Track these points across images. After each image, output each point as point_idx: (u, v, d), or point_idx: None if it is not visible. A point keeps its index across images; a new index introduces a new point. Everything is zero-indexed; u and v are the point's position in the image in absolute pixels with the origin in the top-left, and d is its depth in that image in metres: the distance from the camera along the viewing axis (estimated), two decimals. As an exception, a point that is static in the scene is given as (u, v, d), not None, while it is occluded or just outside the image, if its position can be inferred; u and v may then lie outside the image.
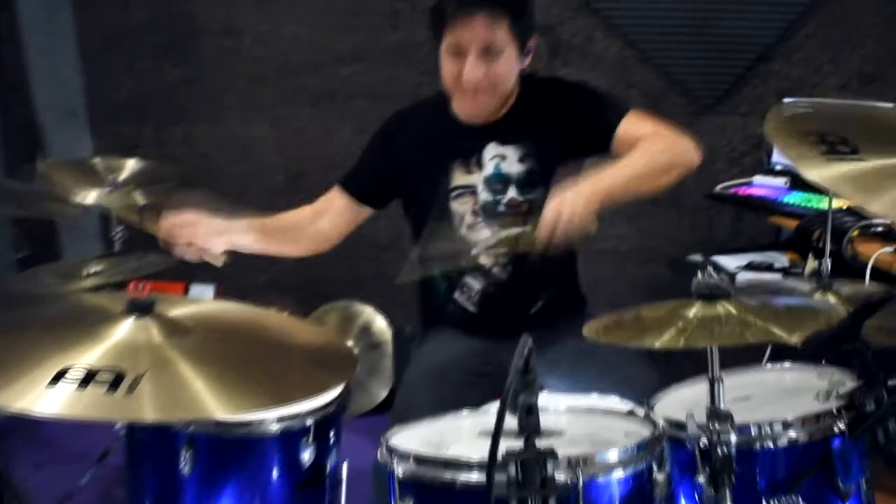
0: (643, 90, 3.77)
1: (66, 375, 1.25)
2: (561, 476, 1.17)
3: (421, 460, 1.27)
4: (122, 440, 2.92)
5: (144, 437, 1.91)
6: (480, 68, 2.19)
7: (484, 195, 2.30)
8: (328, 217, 2.45)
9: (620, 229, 3.68)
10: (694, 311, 1.33)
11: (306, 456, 1.86)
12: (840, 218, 2.64)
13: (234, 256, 2.38)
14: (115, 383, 1.25)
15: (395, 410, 2.21)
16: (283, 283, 3.61)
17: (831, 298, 1.78)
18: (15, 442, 3.15)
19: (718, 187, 3.31)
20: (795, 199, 3.03)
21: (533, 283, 2.29)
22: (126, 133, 4.17)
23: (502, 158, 2.30)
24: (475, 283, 2.35)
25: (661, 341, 1.30)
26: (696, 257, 3.04)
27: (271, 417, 1.85)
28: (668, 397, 1.59)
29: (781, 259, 2.90)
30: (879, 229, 2.48)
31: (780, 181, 3.14)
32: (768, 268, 2.85)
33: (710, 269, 1.34)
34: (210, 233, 2.30)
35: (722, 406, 1.21)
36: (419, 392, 2.20)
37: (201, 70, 4.17)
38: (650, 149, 2.19)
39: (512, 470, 1.14)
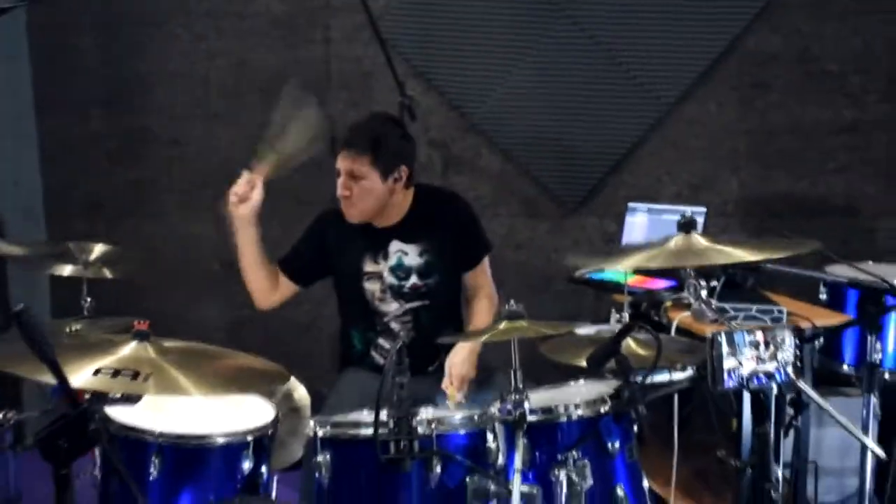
0: (520, 197, 4.29)
1: (101, 371, 1.85)
2: (421, 429, 1.84)
3: (335, 424, 1.91)
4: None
5: (119, 451, 2.20)
6: (346, 187, 2.82)
7: (390, 279, 2.91)
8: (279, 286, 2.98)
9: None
10: (504, 325, 2.05)
11: (246, 465, 2.25)
12: (661, 293, 3.35)
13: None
14: (134, 376, 1.87)
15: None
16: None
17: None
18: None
19: (577, 273, 3.62)
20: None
21: (429, 347, 2.80)
22: (79, 227, 4.39)
23: (404, 253, 2.91)
24: (386, 344, 2.91)
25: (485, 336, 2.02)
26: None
27: (219, 433, 2.24)
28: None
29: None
30: (685, 301, 3.17)
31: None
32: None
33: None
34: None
35: (520, 385, 1.89)
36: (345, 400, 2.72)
37: (149, 173, 4.48)
38: (486, 314, 2.93)
39: (392, 423, 1.80)
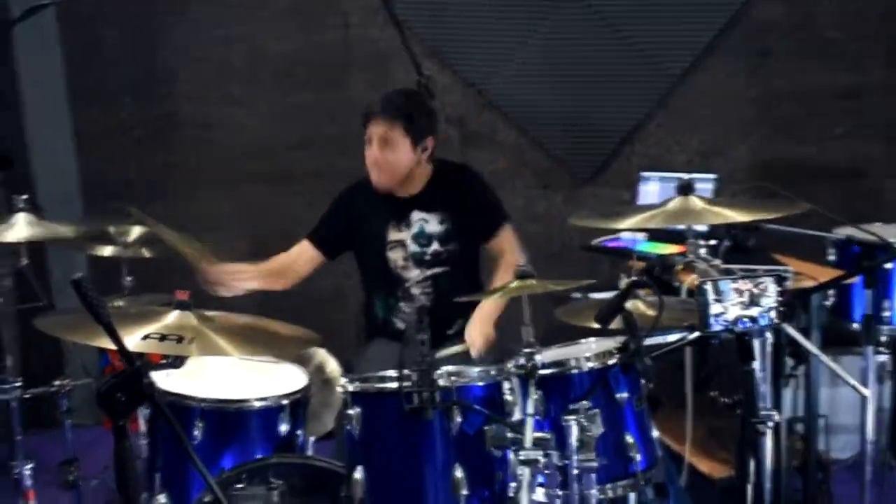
0: (535, 168, 4.36)
1: (149, 336, 2.02)
2: (442, 382, 2.00)
3: (364, 379, 2.07)
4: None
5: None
6: (377, 153, 2.94)
7: (412, 247, 3.03)
8: (300, 260, 3.11)
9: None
10: (515, 283, 2.18)
11: (283, 427, 2.41)
12: (671, 257, 3.47)
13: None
14: (179, 340, 2.04)
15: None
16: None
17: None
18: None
19: (593, 241, 3.79)
20: (648, 246, 3.55)
21: (448, 312, 2.94)
22: (113, 211, 4.02)
23: (425, 221, 3.03)
24: (407, 309, 3.03)
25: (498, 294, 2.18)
26: (577, 295, 3.51)
27: (257, 397, 2.40)
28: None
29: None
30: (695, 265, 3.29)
31: (639, 235, 3.63)
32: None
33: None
34: (239, 280, 2.93)
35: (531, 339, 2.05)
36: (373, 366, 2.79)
37: (178, 157, 4.58)
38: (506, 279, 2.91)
39: (415, 377, 1.96)
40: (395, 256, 3.05)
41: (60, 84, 4.52)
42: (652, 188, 3.86)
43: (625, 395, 2.20)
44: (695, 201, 2.34)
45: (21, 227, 2.59)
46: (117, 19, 4.48)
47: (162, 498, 2.33)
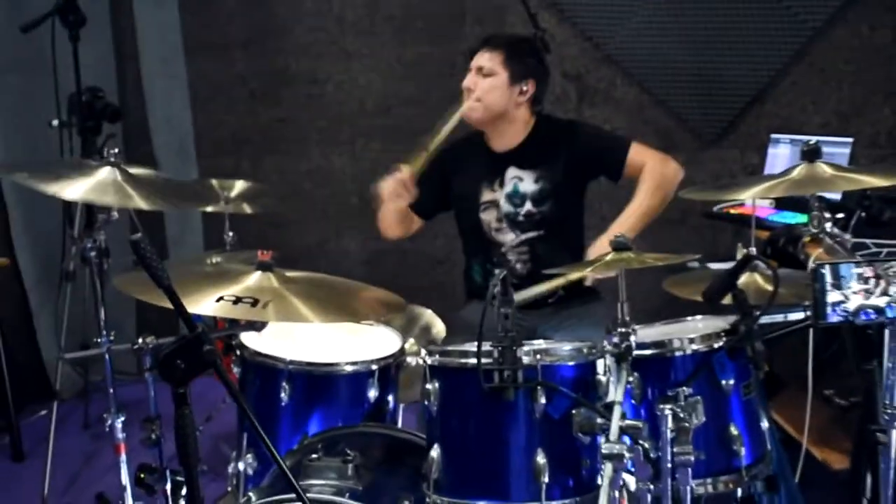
0: (656, 128, 4.19)
1: (224, 298, 1.95)
2: (527, 359, 1.85)
3: (443, 353, 1.94)
4: (223, 406, 3.33)
5: (254, 376, 2.37)
6: (474, 81, 2.87)
7: (506, 207, 2.92)
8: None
9: (634, 242, 4.08)
10: (610, 256, 2.00)
11: (372, 393, 2.32)
12: (798, 229, 3.22)
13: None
14: (253, 304, 1.95)
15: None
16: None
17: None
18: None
19: (715, 208, 3.65)
20: (777, 217, 3.41)
21: (546, 279, 2.73)
22: (226, 165, 4.64)
23: (520, 180, 2.91)
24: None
25: (595, 270, 2.01)
26: (694, 263, 3.31)
27: (346, 361, 2.32)
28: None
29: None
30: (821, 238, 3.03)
31: (767, 203, 3.49)
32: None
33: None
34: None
35: (627, 318, 1.87)
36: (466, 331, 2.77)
37: (291, 112, 4.63)
38: (649, 189, 2.81)
39: (496, 353, 1.82)
40: (489, 218, 2.94)
41: (177, 36, 4.61)
42: (782, 151, 3.69)
43: (731, 381, 2.01)
44: (822, 168, 2.10)
45: (99, 188, 2.29)
46: (232, -28, 4.53)
47: (249, 458, 2.30)
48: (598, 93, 4.27)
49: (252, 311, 1.93)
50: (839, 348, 2.93)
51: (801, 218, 3.21)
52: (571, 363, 1.89)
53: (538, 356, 1.85)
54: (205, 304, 1.93)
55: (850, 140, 3.39)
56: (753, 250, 2.01)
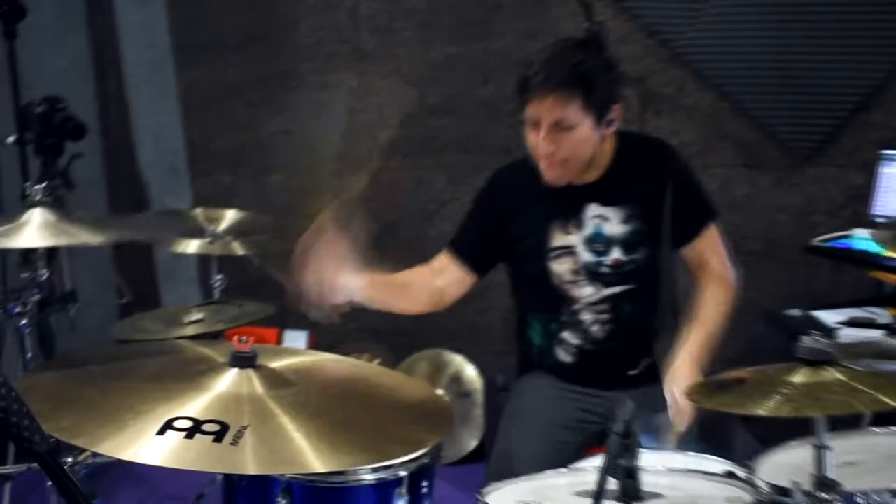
0: (737, 141, 3.74)
1: (174, 425, 1.30)
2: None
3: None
4: (217, 483, 2.92)
5: (242, 482, 1.88)
6: (552, 142, 2.27)
7: (585, 255, 2.34)
8: (444, 277, 2.48)
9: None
10: (799, 377, 1.30)
11: None
12: None
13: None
14: (219, 434, 1.29)
15: (493, 461, 2.29)
16: (374, 331, 3.66)
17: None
18: (115, 479, 3.24)
19: (816, 240, 3.23)
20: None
21: (631, 346, 2.33)
22: (224, 183, 4.39)
23: (604, 219, 2.35)
24: (572, 339, 2.40)
25: (766, 409, 1.28)
26: (795, 311, 2.99)
27: (365, 465, 1.72)
28: (768, 461, 1.56)
29: (883, 315, 2.83)
30: None
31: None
32: (869, 324, 2.78)
33: (815, 333, 1.30)
34: (342, 292, 2.31)
35: (829, 475, 1.18)
36: (518, 443, 2.27)
37: (297, 123, 4.32)
38: (717, 305, 2.38)
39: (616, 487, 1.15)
40: (561, 269, 2.36)
41: (165, 40, 4.37)
42: (896, 171, 3.34)
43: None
44: None
45: (33, 232, 1.90)
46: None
47: None
48: (665, 99, 3.82)
49: (215, 449, 1.25)
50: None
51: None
52: None
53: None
54: (141, 438, 1.28)
55: None
56: None
